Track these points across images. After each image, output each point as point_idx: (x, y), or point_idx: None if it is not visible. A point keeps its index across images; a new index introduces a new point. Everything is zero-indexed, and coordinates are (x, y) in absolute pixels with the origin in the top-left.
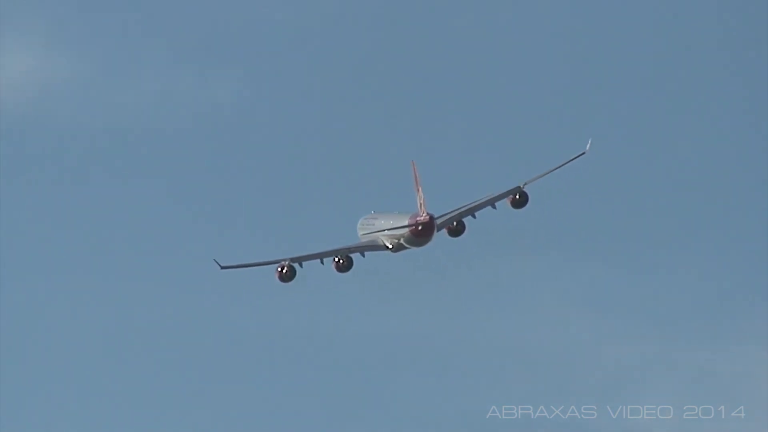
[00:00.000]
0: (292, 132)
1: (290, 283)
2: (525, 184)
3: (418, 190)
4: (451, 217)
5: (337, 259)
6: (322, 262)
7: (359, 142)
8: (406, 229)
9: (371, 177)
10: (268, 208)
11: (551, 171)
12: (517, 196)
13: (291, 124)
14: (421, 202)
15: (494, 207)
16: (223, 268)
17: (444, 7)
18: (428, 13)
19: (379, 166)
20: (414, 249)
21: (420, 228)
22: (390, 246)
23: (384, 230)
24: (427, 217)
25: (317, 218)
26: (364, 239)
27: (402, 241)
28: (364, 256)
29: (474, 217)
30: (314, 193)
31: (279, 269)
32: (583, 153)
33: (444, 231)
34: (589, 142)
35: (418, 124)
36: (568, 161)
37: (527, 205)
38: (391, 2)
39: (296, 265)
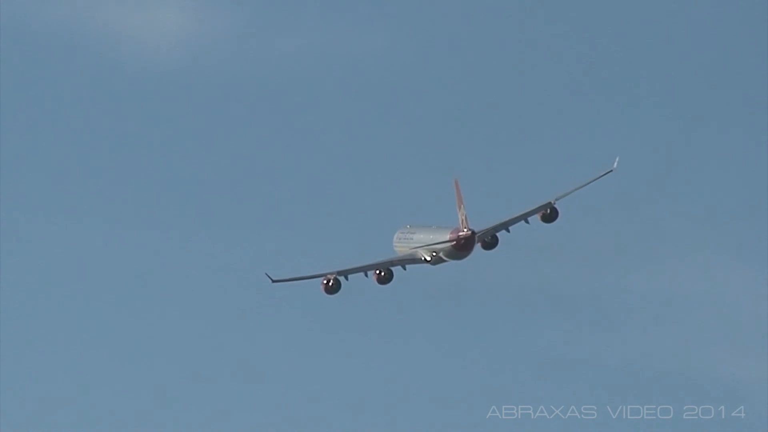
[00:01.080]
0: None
1: (335, 295)
2: (556, 199)
3: (460, 206)
4: (486, 231)
5: (378, 272)
6: (366, 275)
7: (395, 158)
8: (448, 244)
9: (404, 190)
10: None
11: (580, 187)
12: (548, 211)
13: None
14: (463, 217)
15: (527, 222)
16: (274, 281)
17: (501, 28)
18: (482, 34)
19: (408, 181)
20: (453, 261)
21: (463, 242)
22: (428, 259)
23: (424, 244)
24: (469, 232)
25: (354, 231)
26: (401, 252)
27: (442, 254)
28: (405, 268)
29: (508, 231)
30: (349, 206)
31: (325, 282)
32: (611, 171)
33: (478, 244)
34: (617, 159)
35: (449, 141)
36: (597, 178)
37: (557, 220)
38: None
39: (342, 278)
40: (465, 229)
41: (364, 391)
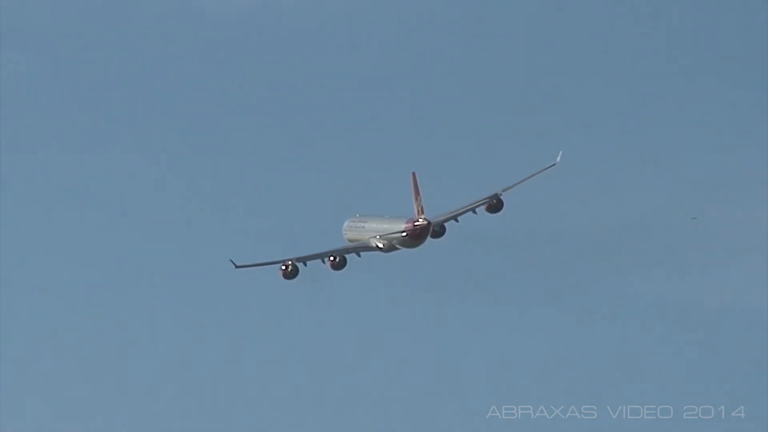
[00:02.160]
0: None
1: (293, 280)
2: (503, 191)
3: (417, 197)
4: (438, 221)
5: (332, 258)
6: (323, 261)
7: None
8: (404, 233)
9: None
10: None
11: (525, 180)
12: (494, 202)
13: None
14: (419, 208)
15: (475, 212)
16: (237, 267)
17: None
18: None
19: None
20: (406, 249)
21: (419, 231)
22: (381, 246)
23: (378, 233)
24: (426, 222)
25: (307, 219)
26: (353, 241)
27: (395, 243)
28: (360, 255)
29: (456, 221)
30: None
31: (283, 267)
32: (554, 164)
33: None
34: (560, 153)
35: (400, 133)
36: (540, 171)
37: (501, 211)
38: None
39: (300, 264)
40: (421, 219)
41: (362, 390)
